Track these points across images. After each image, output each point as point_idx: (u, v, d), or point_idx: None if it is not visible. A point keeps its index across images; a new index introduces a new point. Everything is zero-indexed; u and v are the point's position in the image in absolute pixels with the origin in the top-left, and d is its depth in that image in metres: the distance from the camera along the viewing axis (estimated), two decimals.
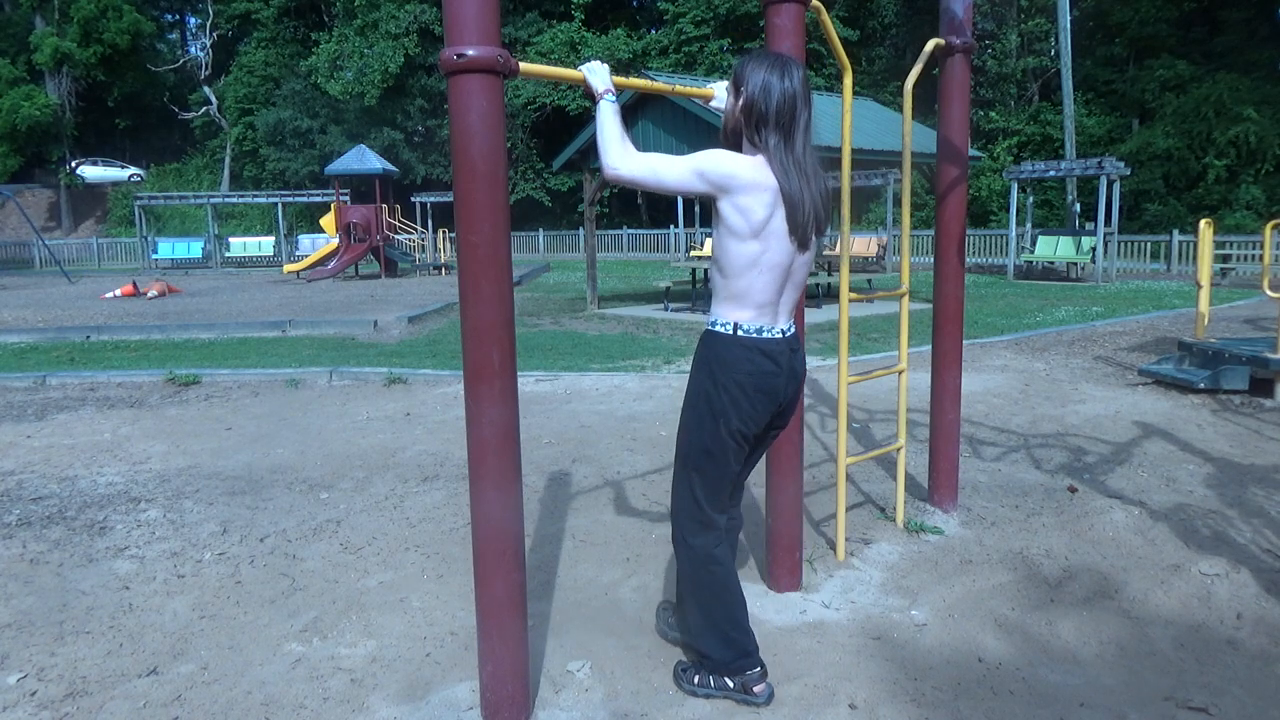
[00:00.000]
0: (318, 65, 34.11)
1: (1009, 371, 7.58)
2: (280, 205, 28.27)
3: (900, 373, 3.89)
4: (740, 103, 2.33)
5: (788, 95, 2.27)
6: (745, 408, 2.37)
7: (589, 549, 3.72)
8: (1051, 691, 2.56)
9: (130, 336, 10.91)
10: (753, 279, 2.30)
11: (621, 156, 2.29)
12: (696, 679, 2.56)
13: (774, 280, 2.33)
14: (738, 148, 2.38)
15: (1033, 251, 18.96)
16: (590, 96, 2.43)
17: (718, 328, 2.39)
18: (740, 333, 2.36)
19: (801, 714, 2.46)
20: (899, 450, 3.94)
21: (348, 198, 23.50)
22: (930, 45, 3.75)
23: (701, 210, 29.23)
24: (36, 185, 40.50)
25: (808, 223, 2.30)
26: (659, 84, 3.06)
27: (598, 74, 2.42)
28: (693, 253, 24.42)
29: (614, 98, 2.39)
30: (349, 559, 3.66)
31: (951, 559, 3.54)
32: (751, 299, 2.33)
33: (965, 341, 4.52)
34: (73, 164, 38.68)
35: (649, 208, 36.32)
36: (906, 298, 3.80)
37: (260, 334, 10.95)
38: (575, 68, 2.50)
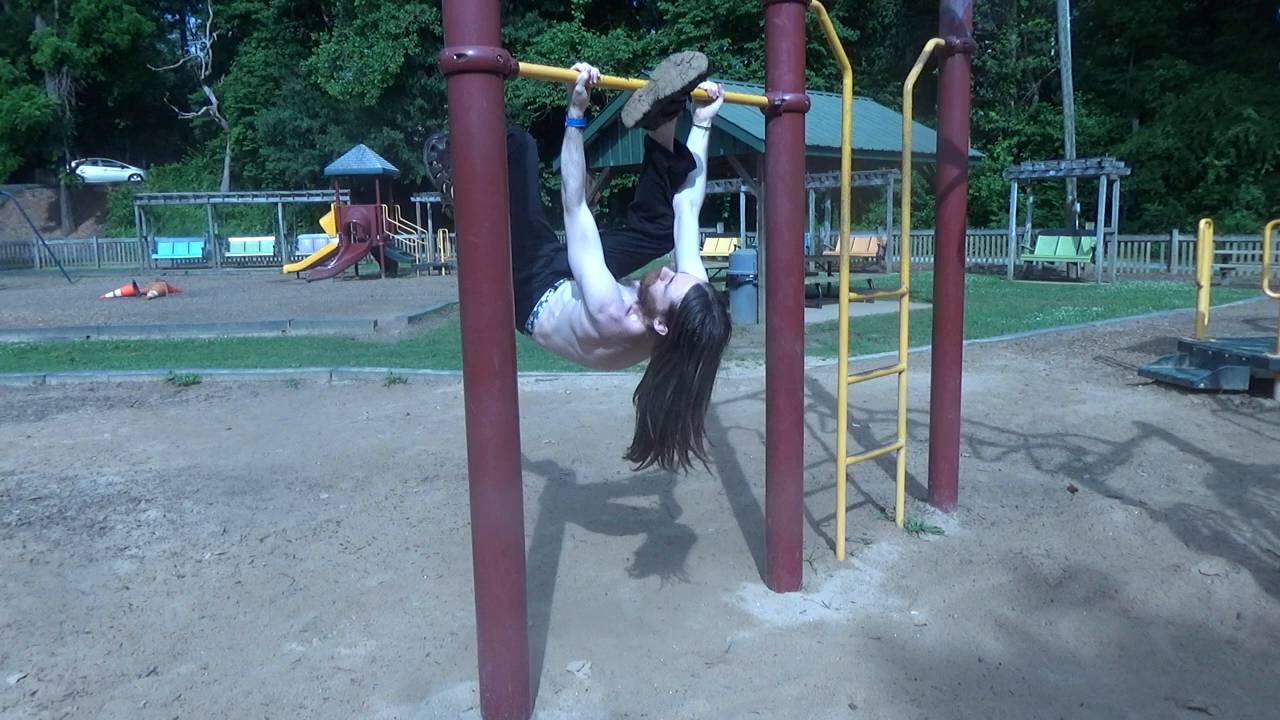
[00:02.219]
0: (318, 65, 34.09)
1: (1009, 371, 7.58)
2: (280, 205, 28.25)
3: (900, 373, 3.89)
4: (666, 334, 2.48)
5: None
6: None
7: (589, 549, 3.72)
8: (1051, 691, 2.56)
9: (130, 336, 10.91)
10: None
11: (576, 199, 2.47)
12: None
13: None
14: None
15: (1033, 251, 18.96)
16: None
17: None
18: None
19: (801, 714, 2.46)
20: (899, 450, 3.94)
21: (348, 198, 23.50)
22: (930, 45, 3.75)
23: (701, 210, 29.18)
24: (36, 185, 40.48)
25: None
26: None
27: (580, 98, 2.45)
28: None
29: (582, 122, 2.47)
30: (349, 559, 3.66)
31: (951, 559, 3.54)
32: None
33: (965, 341, 4.52)
34: (73, 164, 38.66)
35: None
36: (906, 298, 3.80)
37: (260, 334, 10.95)
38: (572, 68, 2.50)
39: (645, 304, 2.49)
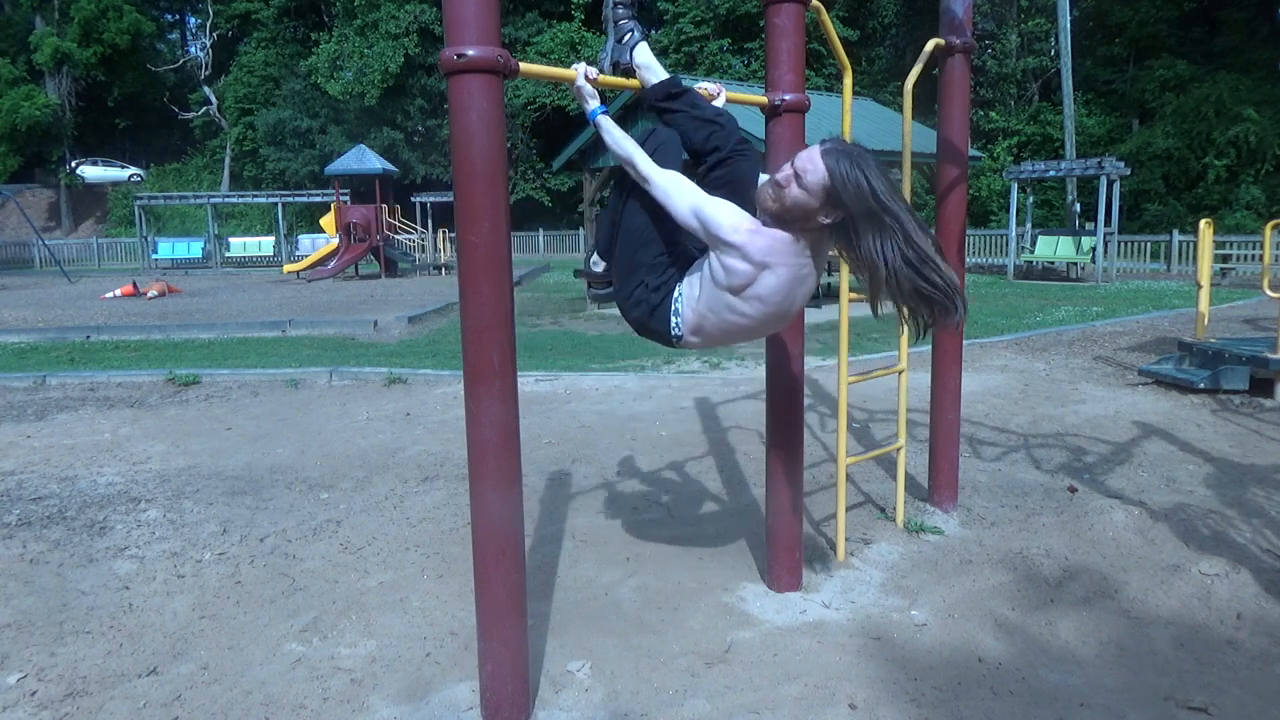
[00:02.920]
0: (318, 65, 34.07)
1: (1009, 371, 7.58)
2: (280, 205, 28.25)
3: (900, 373, 3.89)
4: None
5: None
6: None
7: (589, 549, 3.72)
8: (1051, 691, 2.56)
9: (130, 336, 10.91)
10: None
11: (649, 167, 2.27)
12: None
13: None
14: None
15: (1033, 251, 18.96)
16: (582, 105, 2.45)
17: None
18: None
19: (801, 714, 2.46)
20: (899, 450, 3.94)
21: (348, 198, 23.50)
22: (930, 45, 3.75)
23: None
24: (36, 185, 40.47)
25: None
26: None
27: (586, 91, 2.42)
28: None
29: (603, 108, 2.41)
30: (349, 559, 3.66)
31: (951, 559, 3.54)
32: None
33: (965, 341, 4.52)
34: (73, 164, 38.65)
35: None
36: None
37: (260, 334, 10.95)
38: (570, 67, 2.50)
39: (791, 216, 2.12)
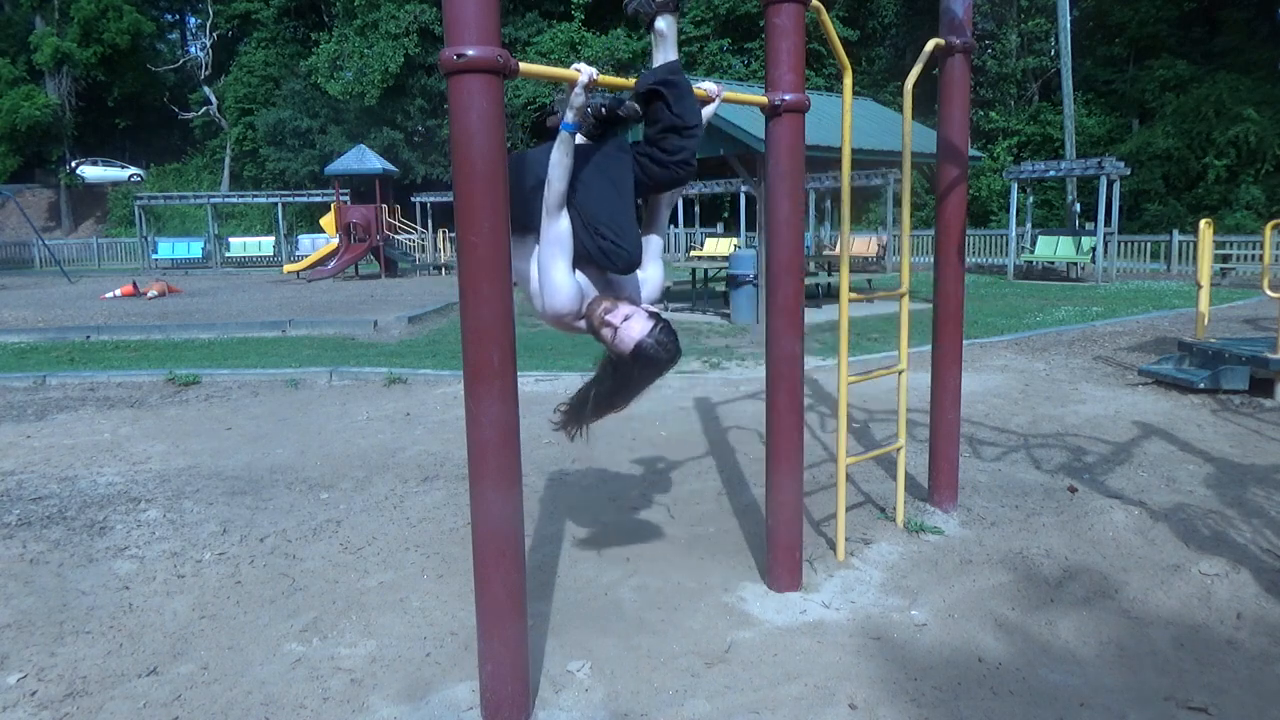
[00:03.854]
0: (318, 65, 34.07)
1: (1009, 371, 7.58)
2: (280, 205, 28.25)
3: (900, 373, 3.89)
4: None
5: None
6: None
7: (589, 549, 3.72)
8: (1051, 691, 2.56)
9: (130, 336, 10.91)
10: None
11: (557, 204, 2.49)
12: None
13: None
14: None
15: (1033, 251, 18.96)
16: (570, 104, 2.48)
17: None
18: None
19: (801, 714, 2.46)
20: (899, 450, 3.94)
21: (348, 198, 23.49)
22: (930, 45, 3.75)
23: (701, 210, 29.23)
24: (36, 185, 40.47)
25: None
26: None
27: (576, 103, 2.44)
28: (692, 253, 24.43)
29: (576, 126, 2.46)
30: (349, 559, 3.66)
31: (951, 559, 3.54)
32: None
33: (965, 341, 4.52)
34: (73, 164, 38.65)
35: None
36: (906, 298, 3.80)
37: (260, 334, 10.95)
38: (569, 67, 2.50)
39: (595, 334, 2.62)
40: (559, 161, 2.44)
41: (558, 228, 2.49)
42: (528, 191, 2.55)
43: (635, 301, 2.71)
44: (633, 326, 2.57)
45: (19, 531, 4.04)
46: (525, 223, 2.56)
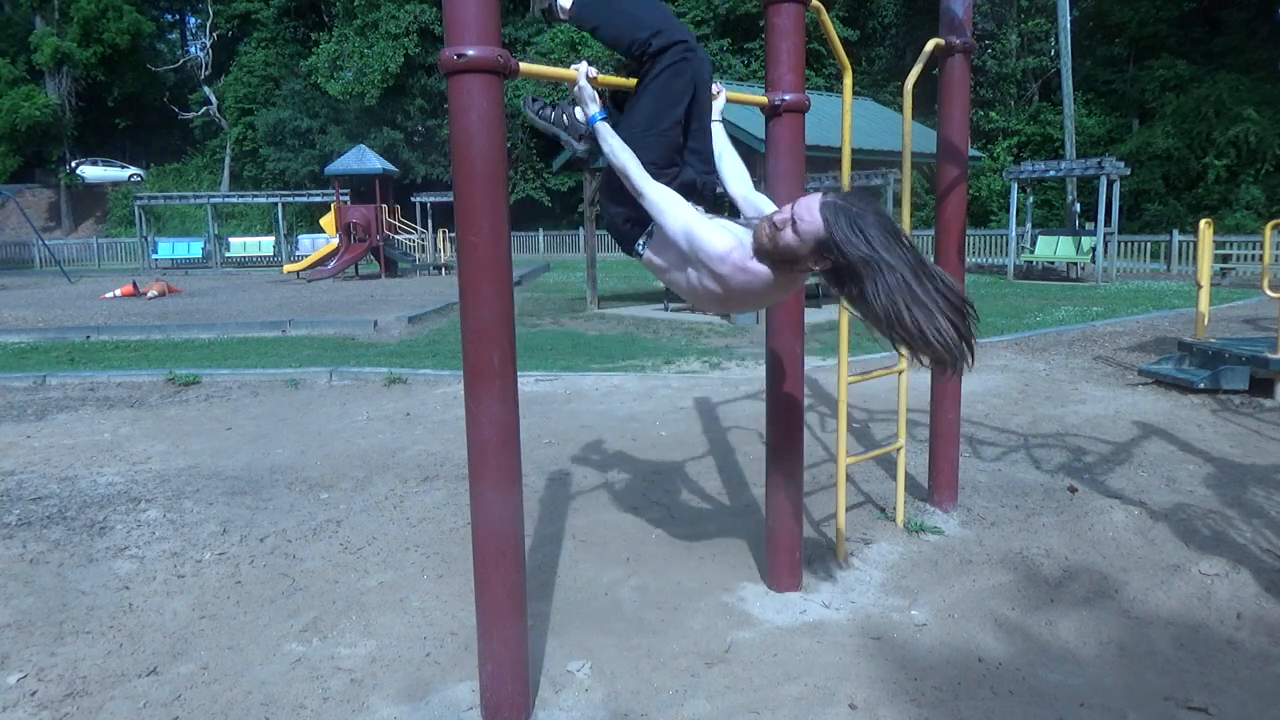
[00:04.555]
0: (318, 65, 34.06)
1: (1009, 371, 7.58)
2: (280, 205, 28.23)
3: (900, 373, 3.89)
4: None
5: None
6: None
7: (589, 549, 3.72)
8: (1051, 691, 2.56)
9: (130, 336, 10.91)
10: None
11: (644, 181, 2.32)
12: None
13: None
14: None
15: (1033, 251, 18.96)
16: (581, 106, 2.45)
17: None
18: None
19: (801, 714, 2.46)
20: (899, 450, 3.94)
21: (348, 198, 23.48)
22: (930, 45, 3.75)
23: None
24: (36, 185, 40.46)
25: None
26: None
27: (587, 94, 2.42)
28: None
29: (603, 114, 2.42)
30: (349, 559, 3.66)
31: (951, 559, 3.54)
32: None
33: None
34: (73, 164, 38.65)
35: None
36: None
37: (260, 334, 10.95)
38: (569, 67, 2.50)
39: (781, 258, 2.12)
40: (613, 151, 2.34)
41: (656, 199, 2.29)
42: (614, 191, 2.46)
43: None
44: (805, 201, 2.05)
45: (19, 531, 4.04)
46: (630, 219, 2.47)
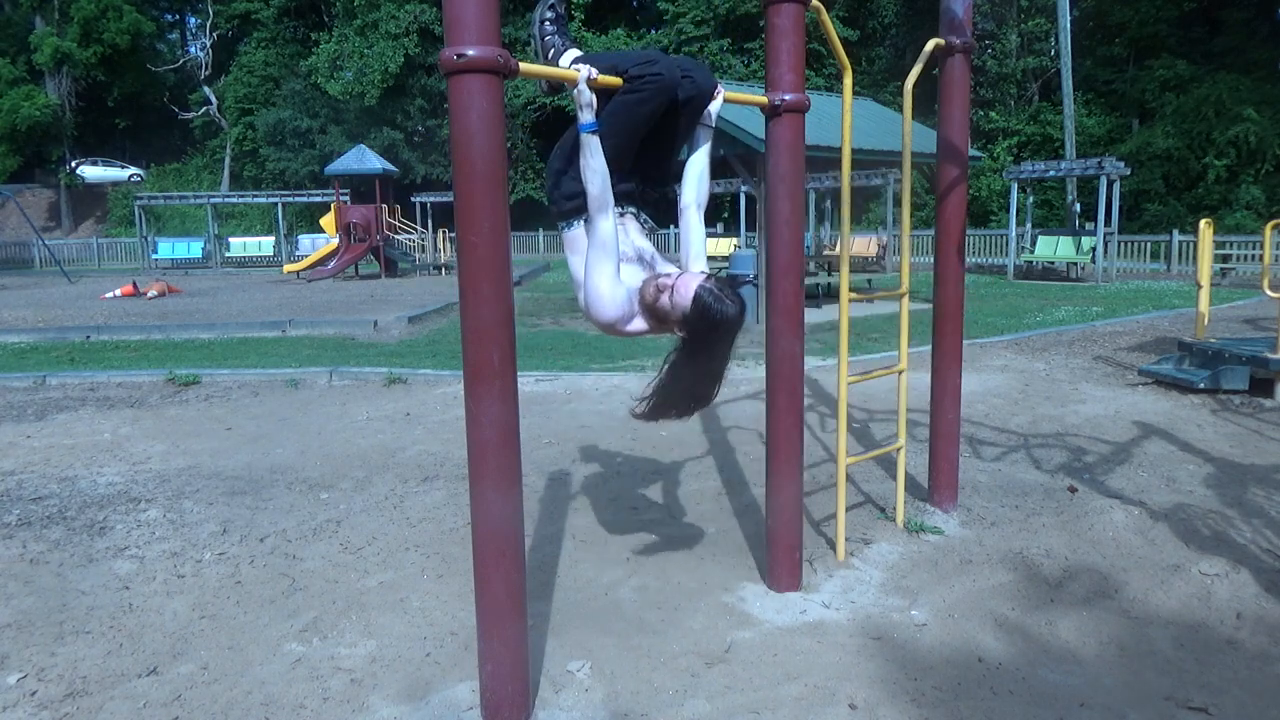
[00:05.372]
0: (318, 65, 34.08)
1: (1009, 371, 7.58)
2: (280, 205, 28.26)
3: (900, 373, 3.89)
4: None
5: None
6: None
7: (589, 549, 3.72)
8: (1051, 691, 2.56)
9: (130, 336, 10.91)
10: None
11: (598, 208, 2.46)
12: None
13: None
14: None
15: (1033, 251, 18.97)
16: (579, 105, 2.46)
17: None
18: None
19: (801, 714, 2.46)
20: (899, 450, 3.94)
21: (348, 198, 23.49)
22: (930, 45, 3.75)
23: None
24: (36, 185, 40.48)
25: None
26: None
27: (584, 99, 2.43)
28: None
29: (595, 124, 2.44)
30: (349, 559, 3.66)
31: (951, 559, 3.54)
32: None
33: (965, 341, 4.52)
34: (73, 164, 38.66)
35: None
36: (906, 298, 3.81)
37: (260, 334, 10.95)
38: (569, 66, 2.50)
39: (655, 315, 2.52)
40: (589, 166, 2.42)
41: (601, 232, 2.46)
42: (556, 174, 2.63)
43: None
44: (688, 280, 2.47)
45: (19, 531, 4.04)
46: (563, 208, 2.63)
